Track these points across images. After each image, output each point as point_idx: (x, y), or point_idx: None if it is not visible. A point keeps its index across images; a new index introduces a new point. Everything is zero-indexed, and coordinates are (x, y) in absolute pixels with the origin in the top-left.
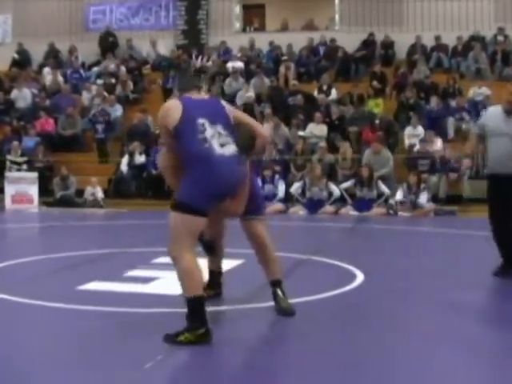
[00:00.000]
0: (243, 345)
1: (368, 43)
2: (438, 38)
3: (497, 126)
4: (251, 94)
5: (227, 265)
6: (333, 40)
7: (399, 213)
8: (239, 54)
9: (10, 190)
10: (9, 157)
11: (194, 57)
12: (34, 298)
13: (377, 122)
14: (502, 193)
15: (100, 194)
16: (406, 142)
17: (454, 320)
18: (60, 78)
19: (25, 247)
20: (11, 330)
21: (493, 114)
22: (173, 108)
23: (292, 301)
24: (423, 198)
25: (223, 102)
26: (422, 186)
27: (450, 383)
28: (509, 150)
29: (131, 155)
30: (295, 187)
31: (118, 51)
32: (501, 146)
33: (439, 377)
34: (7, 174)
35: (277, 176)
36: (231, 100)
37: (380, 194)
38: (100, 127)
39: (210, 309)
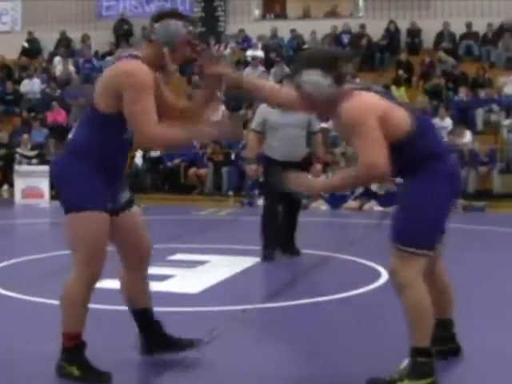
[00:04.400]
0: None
1: (390, 31)
2: (468, 25)
3: None
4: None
5: (247, 262)
6: (362, 26)
7: None
8: (259, 43)
9: (20, 184)
10: (19, 150)
11: (211, 45)
12: (44, 296)
13: None
14: None
15: None
16: None
17: (478, 317)
18: (71, 68)
19: (35, 243)
20: (18, 328)
21: None
22: None
23: (316, 299)
24: None
25: None
26: None
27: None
28: None
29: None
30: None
31: (132, 39)
32: None
33: (470, 373)
34: (17, 167)
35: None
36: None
37: None
38: None
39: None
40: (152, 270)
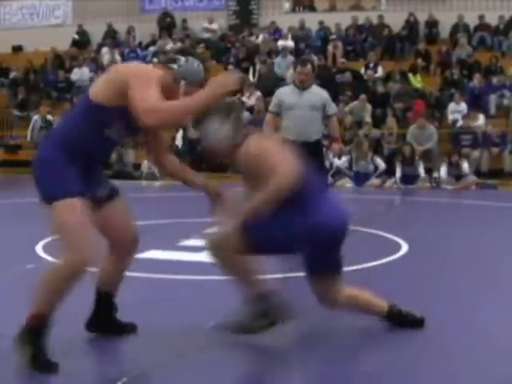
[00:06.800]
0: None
1: (410, 23)
2: (481, 18)
3: None
4: None
5: None
6: (380, 16)
7: (443, 186)
8: (289, 34)
9: None
10: None
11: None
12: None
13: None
14: None
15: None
16: (450, 117)
17: (499, 290)
18: (117, 57)
19: None
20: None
21: None
22: None
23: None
24: (465, 167)
25: None
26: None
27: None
28: None
29: (185, 130)
30: (342, 161)
31: (173, 31)
32: None
33: (490, 347)
34: None
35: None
36: (282, 79)
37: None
38: None
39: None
40: (190, 242)
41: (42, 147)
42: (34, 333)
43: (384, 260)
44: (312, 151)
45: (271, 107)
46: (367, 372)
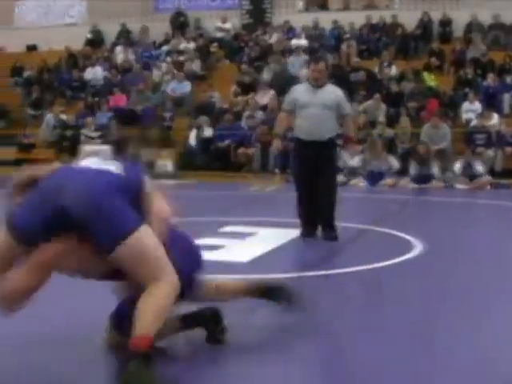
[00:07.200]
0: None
1: (424, 22)
2: (495, 17)
3: None
4: None
5: (292, 234)
6: (394, 15)
7: (456, 185)
8: (303, 33)
9: (84, 162)
10: (83, 131)
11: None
12: None
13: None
14: None
15: (170, 167)
16: (464, 116)
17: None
18: (131, 56)
19: None
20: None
21: None
22: None
23: (354, 268)
24: (479, 168)
25: None
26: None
27: None
28: None
29: (199, 129)
30: (356, 160)
31: (186, 30)
32: None
33: (500, 348)
34: (82, 147)
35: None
36: (295, 77)
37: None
38: (169, 104)
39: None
40: (204, 241)
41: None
42: (150, 358)
43: (397, 259)
44: (324, 150)
45: (285, 105)
46: (369, 372)
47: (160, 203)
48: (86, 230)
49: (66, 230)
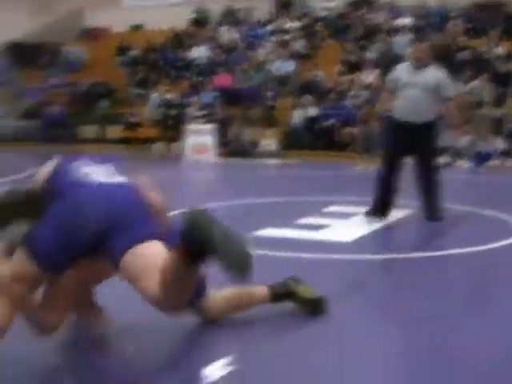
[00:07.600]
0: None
1: None
2: None
3: None
4: None
5: (397, 214)
6: None
7: None
8: (408, 12)
9: (189, 141)
10: (188, 110)
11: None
12: None
13: None
14: None
15: (274, 146)
16: None
17: None
18: (236, 36)
19: (205, 194)
20: None
21: None
22: None
23: (456, 251)
24: None
25: None
26: None
27: None
28: None
29: (304, 107)
30: (462, 141)
31: (291, 9)
32: None
33: None
34: (187, 126)
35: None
36: (401, 56)
37: None
38: (272, 83)
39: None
40: (309, 220)
41: None
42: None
43: (496, 244)
44: (420, 133)
45: (387, 83)
46: (478, 356)
47: (156, 196)
48: (102, 246)
49: (89, 254)
